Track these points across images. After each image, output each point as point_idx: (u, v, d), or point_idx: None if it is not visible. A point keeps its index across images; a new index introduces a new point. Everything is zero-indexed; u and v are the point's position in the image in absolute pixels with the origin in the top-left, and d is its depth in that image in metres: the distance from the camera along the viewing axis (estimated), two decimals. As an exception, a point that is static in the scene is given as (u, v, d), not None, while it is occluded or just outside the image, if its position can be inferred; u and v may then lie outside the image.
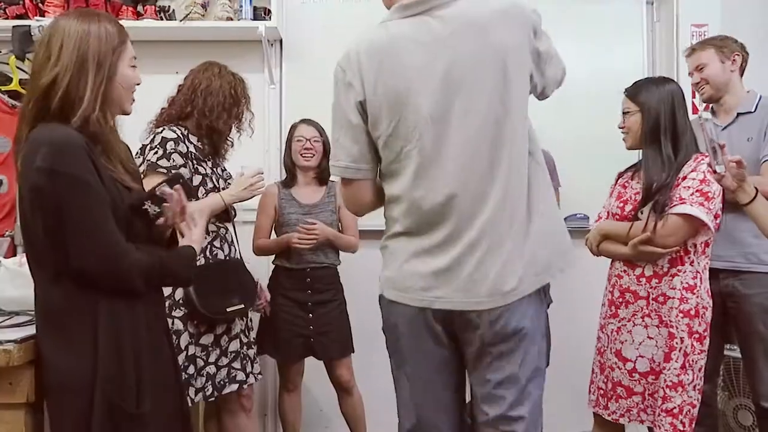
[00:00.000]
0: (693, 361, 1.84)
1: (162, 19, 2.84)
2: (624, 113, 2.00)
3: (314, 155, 2.59)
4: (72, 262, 1.27)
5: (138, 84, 1.45)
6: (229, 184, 2.16)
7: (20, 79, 2.72)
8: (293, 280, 2.58)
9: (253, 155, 2.57)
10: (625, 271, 1.93)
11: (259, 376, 2.19)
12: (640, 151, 2.00)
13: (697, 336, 1.84)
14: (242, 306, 2.08)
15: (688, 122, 1.95)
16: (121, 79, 1.38)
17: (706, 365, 1.90)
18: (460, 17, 1.38)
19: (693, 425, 1.85)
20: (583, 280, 2.47)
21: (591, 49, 3.03)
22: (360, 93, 1.40)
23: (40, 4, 2.81)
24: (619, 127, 2.03)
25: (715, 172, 1.70)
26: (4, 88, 2.69)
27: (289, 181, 2.66)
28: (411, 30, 1.39)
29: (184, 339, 1.97)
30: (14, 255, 2.18)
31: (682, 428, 1.81)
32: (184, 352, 1.96)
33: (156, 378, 1.40)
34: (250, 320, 2.22)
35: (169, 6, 2.88)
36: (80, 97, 1.32)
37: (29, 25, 2.68)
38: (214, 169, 2.13)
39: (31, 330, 1.39)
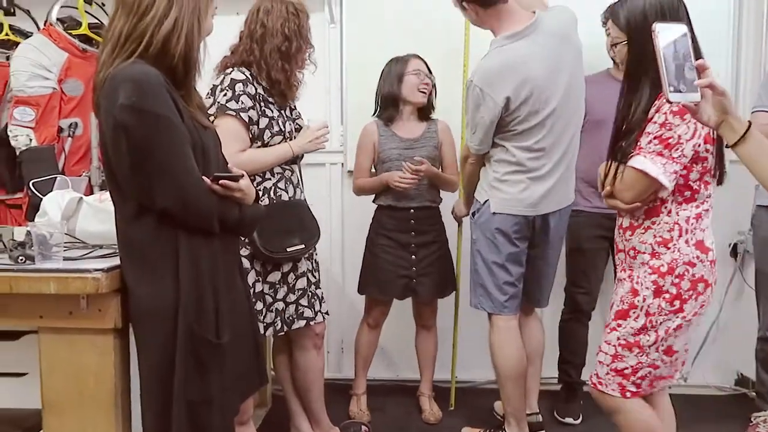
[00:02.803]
0: (657, 322, 1.61)
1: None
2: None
3: (430, 90, 2.56)
4: (156, 200, 1.31)
5: (209, 34, 1.46)
6: (297, 125, 2.16)
7: (89, 24, 2.77)
8: (396, 220, 2.57)
9: (314, 95, 2.54)
10: (615, 219, 1.76)
11: (327, 315, 2.24)
12: None
13: (667, 297, 1.60)
14: (303, 246, 2.10)
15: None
16: (205, 27, 1.41)
17: None
18: (549, 32, 2.05)
19: (653, 385, 1.69)
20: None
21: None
22: (501, 101, 2.04)
23: (105, -53, 2.83)
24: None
25: (669, 102, 1.22)
26: (74, 32, 2.73)
27: (388, 117, 2.58)
28: (526, 49, 2.04)
29: (251, 277, 2.02)
30: (91, 194, 2.27)
31: (635, 390, 1.67)
32: (252, 289, 2.01)
33: (232, 310, 1.45)
34: (316, 262, 2.25)
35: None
36: (189, 41, 1.34)
37: (96, -32, 2.72)
38: (281, 112, 2.12)
39: (116, 261, 1.46)
